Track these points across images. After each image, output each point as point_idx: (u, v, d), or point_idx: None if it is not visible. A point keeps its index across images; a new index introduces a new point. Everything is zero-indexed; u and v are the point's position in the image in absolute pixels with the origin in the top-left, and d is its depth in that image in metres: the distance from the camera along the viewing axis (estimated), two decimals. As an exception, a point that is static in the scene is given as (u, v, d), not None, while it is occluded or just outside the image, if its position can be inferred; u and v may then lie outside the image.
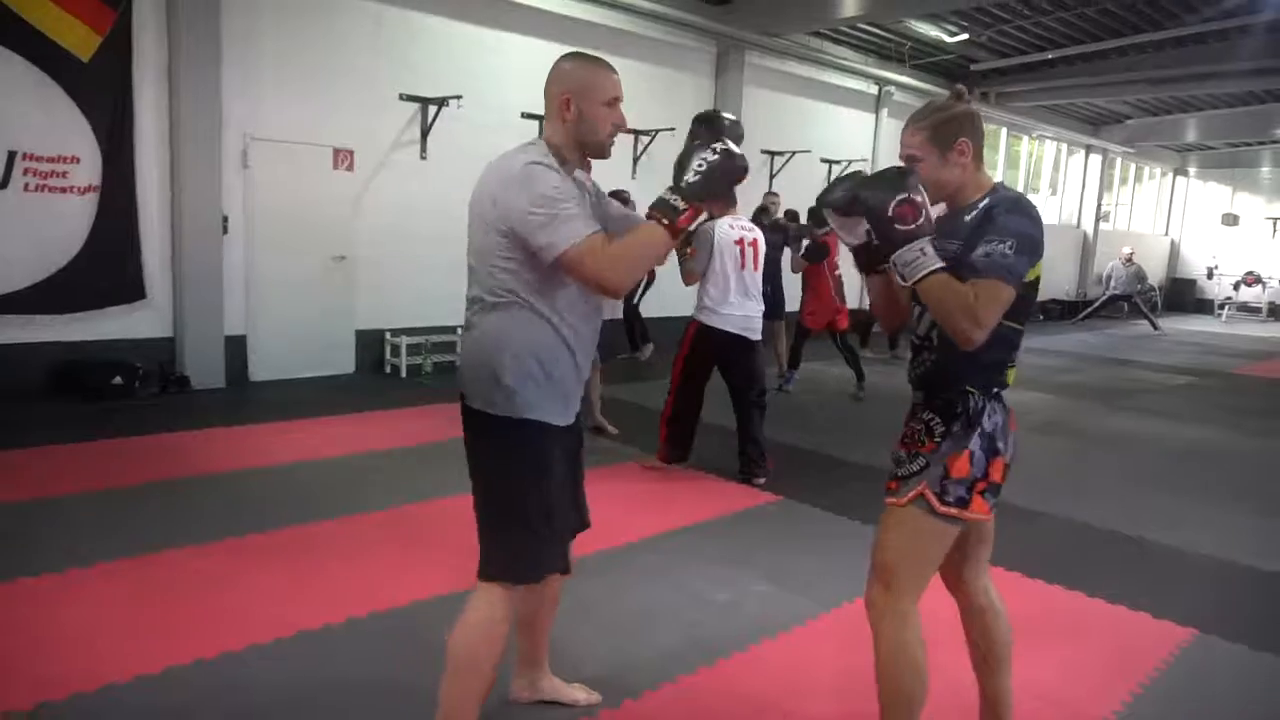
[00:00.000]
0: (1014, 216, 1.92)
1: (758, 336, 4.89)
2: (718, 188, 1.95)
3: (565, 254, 1.87)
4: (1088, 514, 4.67)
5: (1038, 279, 2.01)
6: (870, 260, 2.13)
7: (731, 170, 1.95)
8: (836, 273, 7.58)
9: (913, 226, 1.85)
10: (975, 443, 2.00)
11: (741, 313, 4.77)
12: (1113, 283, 16.00)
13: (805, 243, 7.67)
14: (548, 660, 2.52)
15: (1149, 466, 5.88)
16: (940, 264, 1.85)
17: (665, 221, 1.92)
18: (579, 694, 2.53)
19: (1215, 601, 3.62)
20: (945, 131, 2.00)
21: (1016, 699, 2.30)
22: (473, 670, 2.04)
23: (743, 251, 4.78)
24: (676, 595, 3.37)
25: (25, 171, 5.88)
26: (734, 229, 4.80)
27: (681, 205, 1.92)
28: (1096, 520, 4.58)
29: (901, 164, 2.02)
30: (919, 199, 1.86)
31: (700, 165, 1.92)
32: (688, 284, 4.92)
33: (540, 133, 2.13)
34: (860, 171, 2.10)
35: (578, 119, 2.01)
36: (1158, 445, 6.51)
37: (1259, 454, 6.48)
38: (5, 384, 5.84)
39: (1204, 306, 19.99)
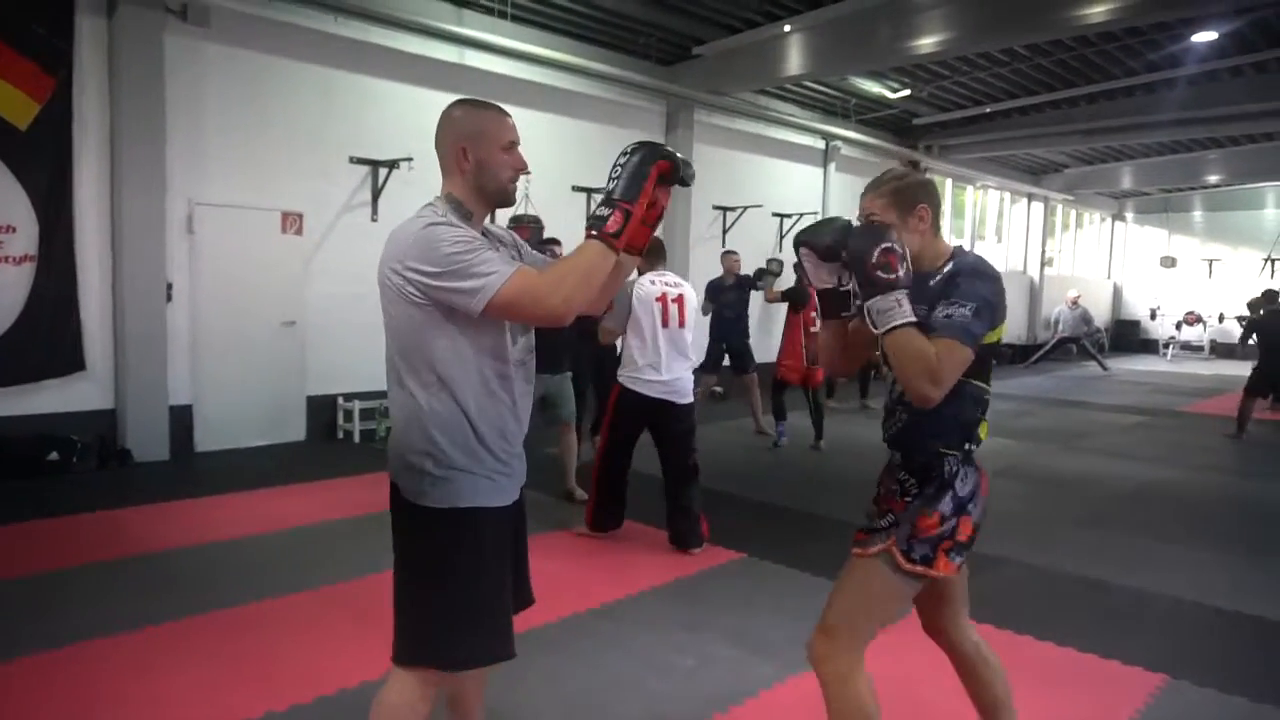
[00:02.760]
0: (977, 282, 1.98)
1: (684, 399, 4.60)
2: (642, 180, 1.86)
3: (497, 296, 1.78)
4: (1050, 559, 4.66)
5: (999, 340, 2.06)
6: (832, 307, 2.16)
7: (649, 158, 1.87)
8: (813, 330, 7.50)
9: (894, 276, 1.89)
10: (946, 504, 2.03)
11: (664, 376, 4.53)
12: (1060, 326, 16.38)
13: (774, 276, 7.78)
14: None
15: (1106, 508, 5.91)
16: (912, 319, 1.89)
17: (594, 232, 1.85)
18: None
19: (1181, 645, 3.60)
20: (905, 197, 2.06)
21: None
22: None
23: (665, 308, 4.56)
24: (638, 663, 3.25)
25: (-42, 242, 5.69)
26: (655, 285, 4.60)
27: (605, 211, 1.86)
28: (1059, 565, 4.56)
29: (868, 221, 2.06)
30: (900, 250, 1.91)
31: (616, 171, 1.88)
32: (603, 341, 4.80)
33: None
34: (842, 218, 2.11)
35: (476, 168, 1.94)
36: (1114, 486, 6.57)
37: (1212, 491, 6.56)
38: (-68, 463, 5.57)
39: (1149, 346, 20.52)
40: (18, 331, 5.93)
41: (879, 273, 1.89)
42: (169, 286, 6.59)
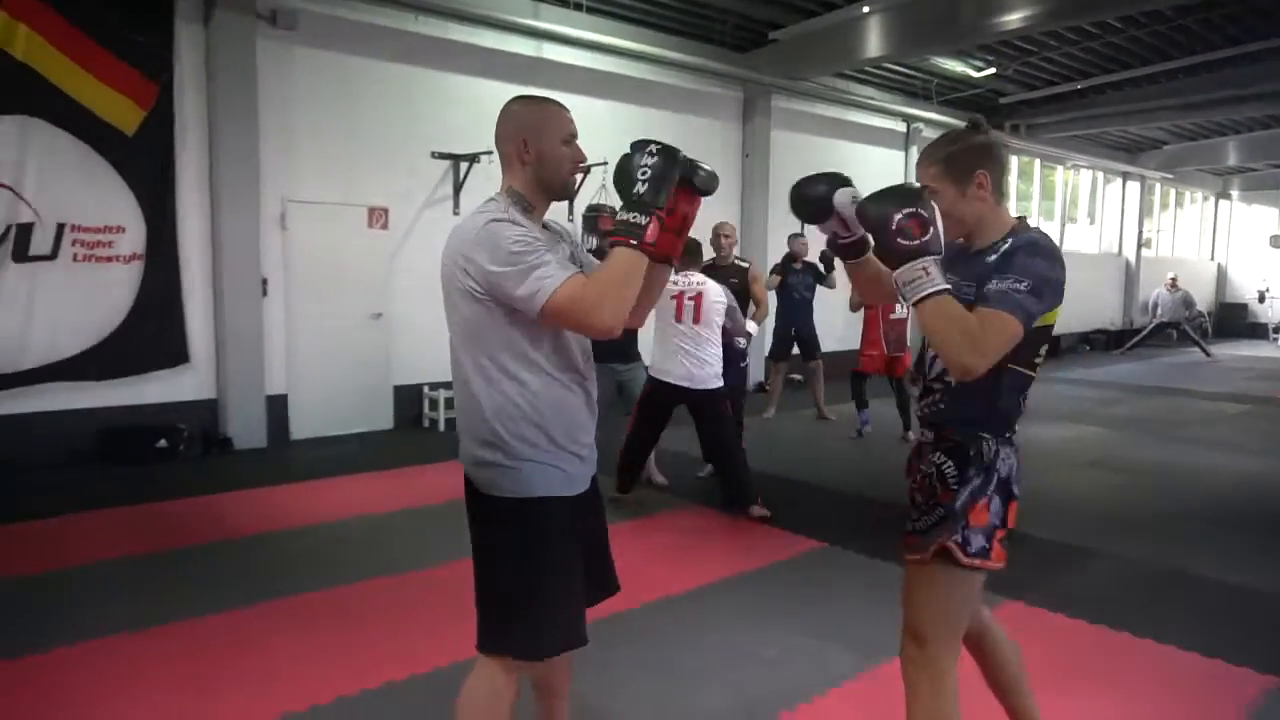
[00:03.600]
0: (1034, 259, 1.82)
1: (701, 386, 4.88)
2: (667, 184, 1.82)
3: (548, 304, 1.79)
4: (1147, 553, 4.48)
5: (1052, 325, 1.91)
6: (856, 252, 2.06)
7: (673, 164, 1.83)
8: (892, 317, 7.37)
9: (916, 243, 1.72)
10: (993, 488, 1.92)
11: (682, 367, 4.86)
12: (1159, 310, 15.64)
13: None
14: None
15: (1206, 501, 5.63)
16: (944, 286, 1.73)
17: (633, 241, 1.80)
18: None
19: (1294, 645, 3.41)
20: (962, 163, 1.91)
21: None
22: None
23: (679, 305, 4.88)
24: (720, 652, 3.26)
25: (74, 243, 6.05)
26: (674, 284, 4.82)
27: (642, 219, 1.81)
28: (1156, 560, 4.38)
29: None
30: (927, 215, 1.74)
31: (643, 172, 1.82)
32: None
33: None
34: (836, 174, 2.02)
35: (537, 161, 1.95)
36: (1215, 478, 6.25)
37: (1327, 484, 6.19)
38: (56, 450, 5.96)
39: (1257, 330, 19.41)
40: (128, 326, 6.28)
41: (899, 240, 1.73)
42: (264, 281, 6.88)
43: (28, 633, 3.30)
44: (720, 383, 4.98)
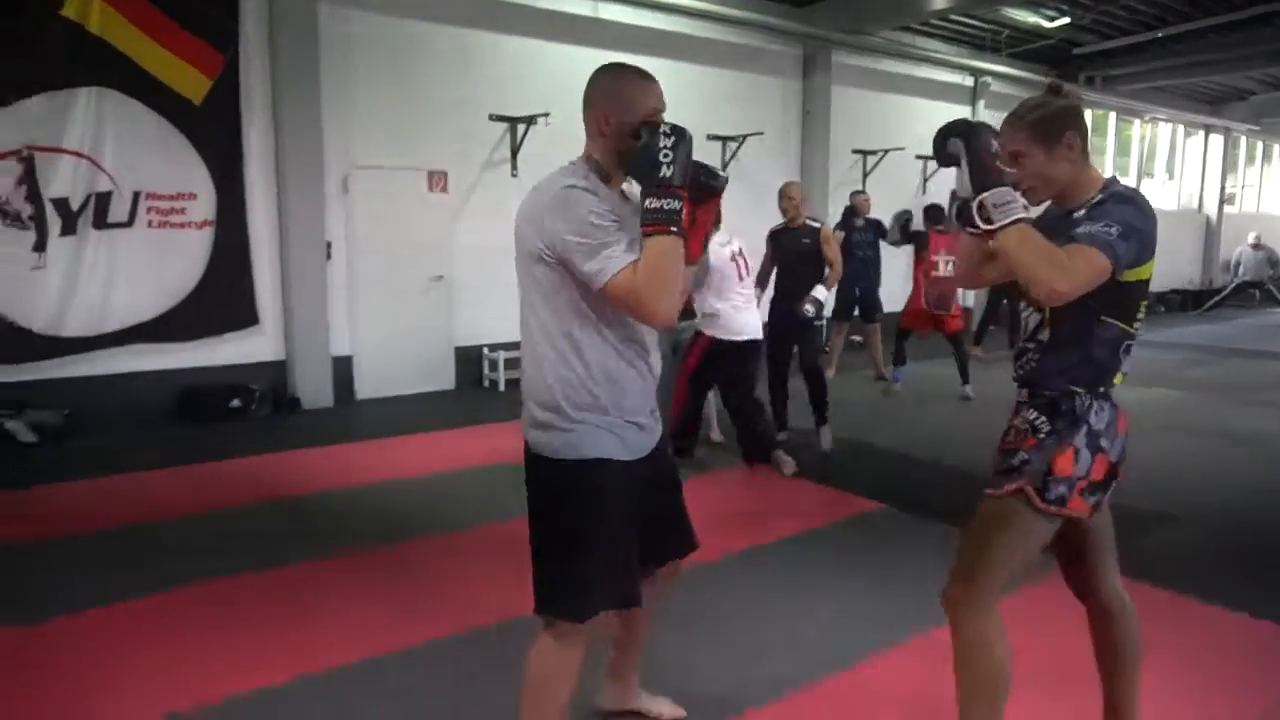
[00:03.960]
0: (1123, 206, 1.84)
1: (759, 336, 5.05)
2: (686, 164, 1.82)
3: (609, 284, 1.81)
4: (1223, 520, 4.35)
5: (1146, 280, 1.90)
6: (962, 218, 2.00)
7: (688, 144, 1.83)
8: (935, 274, 7.27)
9: (1013, 170, 1.82)
10: (1080, 439, 1.91)
11: (752, 321, 4.98)
12: (1241, 269, 14.98)
13: (902, 225, 7.50)
14: (636, 674, 2.49)
15: (1290, 467, 5.43)
16: (1031, 216, 1.78)
17: (674, 229, 1.81)
18: (664, 709, 2.50)
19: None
20: (1049, 126, 1.93)
21: (1150, 714, 2.14)
22: (547, 695, 2.04)
23: (738, 263, 4.91)
24: (782, 610, 3.29)
25: (149, 210, 6.26)
26: (724, 247, 4.86)
27: (675, 204, 1.80)
28: (1235, 527, 4.25)
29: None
30: (1021, 151, 1.90)
31: (665, 155, 1.79)
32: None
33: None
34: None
35: (617, 134, 1.93)
36: (1300, 443, 6.01)
37: None
38: (136, 409, 6.22)
39: (1348, 291, 18.44)
40: (202, 290, 6.49)
41: (997, 162, 1.78)
42: (328, 245, 7.03)
43: (115, 582, 3.48)
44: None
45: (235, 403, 6.50)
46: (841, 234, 7.97)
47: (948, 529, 4.15)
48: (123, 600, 3.30)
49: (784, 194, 5.67)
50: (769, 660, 2.89)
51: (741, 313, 4.94)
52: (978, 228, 1.78)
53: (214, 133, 6.43)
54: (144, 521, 4.23)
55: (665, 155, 1.79)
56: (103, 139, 6.02)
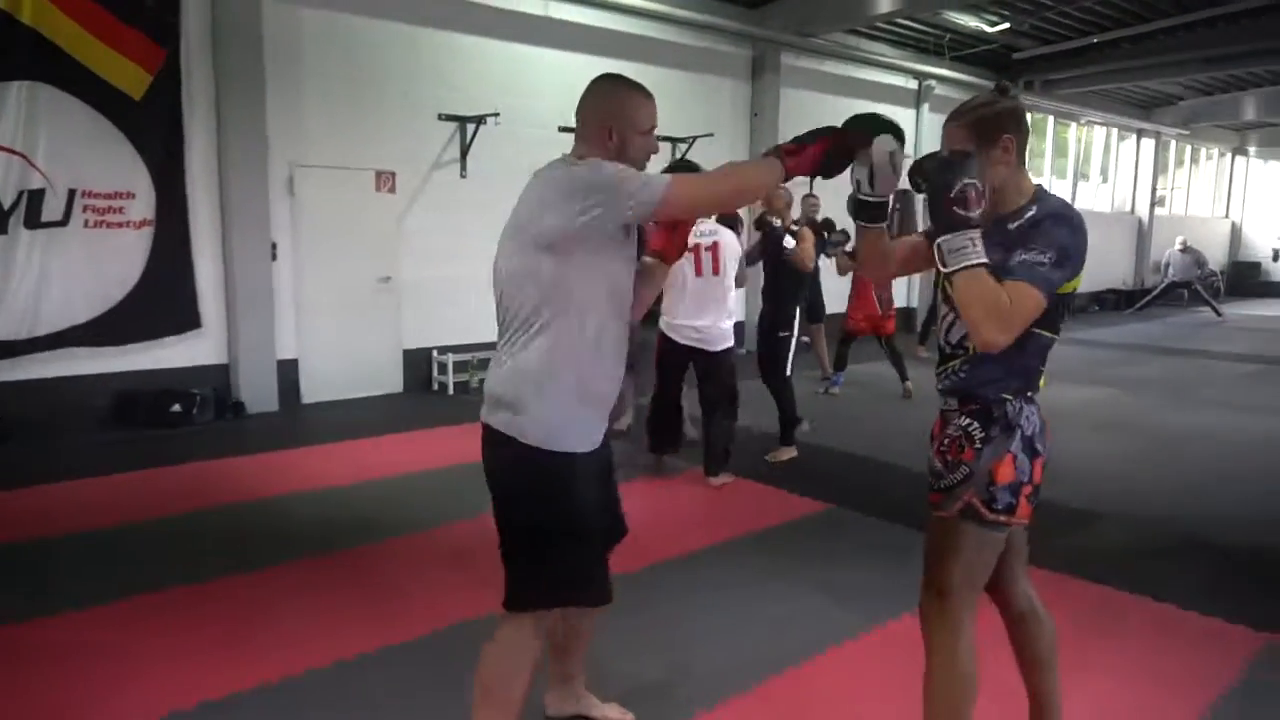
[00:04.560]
0: (1061, 228, 1.89)
1: (716, 347, 4.76)
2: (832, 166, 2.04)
3: (669, 190, 1.91)
4: (1156, 514, 4.52)
5: (1074, 290, 1.97)
6: (872, 215, 2.09)
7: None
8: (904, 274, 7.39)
9: (971, 214, 1.80)
10: (1016, 445, 1.96)
11: (695, 322, 4.71)
12: (1171, 270, 15.53)
13: (840, 247, 7.54)
14: (583, 676, 2.51)
15: (1218, 462, 5.67)
16: (984, 259, 1.80)
17: (779, 158, 2.01)
18: (611, 713, 2.53)
19: (1293, 605, 3.46)
20: (989, 127, 1.95)
21: (1088, 711, 2.22)
22: (503, 698, 2.05)
23: (697, 257, 4.65)
24: (728, 610, 3.34)
25: (84, 209, 6.07)
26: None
27: (810, 141, 2.03)
28: (1162, 521, 4.43)
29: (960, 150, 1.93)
30: (980, 189, 1.81)
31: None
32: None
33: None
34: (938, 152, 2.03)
35: (618, 148, 2.02)
36: (1227, 439, 6.27)
37: (1335, 445, 6.20)
38: (70, 415, 6.04)
39: (1270, 290, 19.26)
40: (140, 292, 6.31)
41: (956, 209, 1.80)
42: (273, 246, 6.91)
43: (38, 596, 3.38)
44: (731, 342, 4.85)
45: (176, 408, 6.34)
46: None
47: (890, 527, 4.26)
48: (60, 613, 3.22)
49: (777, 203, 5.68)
50: (715, 663, 2.93)
51: (681, 314, 4.73)
52: (944, 266, 1.84)
53: (154, 129, 6.25)
54: (80, 531, 4.12)
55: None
56: (35, 135, 5.81)
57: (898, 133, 1.99)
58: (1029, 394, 2.00)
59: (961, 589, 1.99)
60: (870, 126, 1.98)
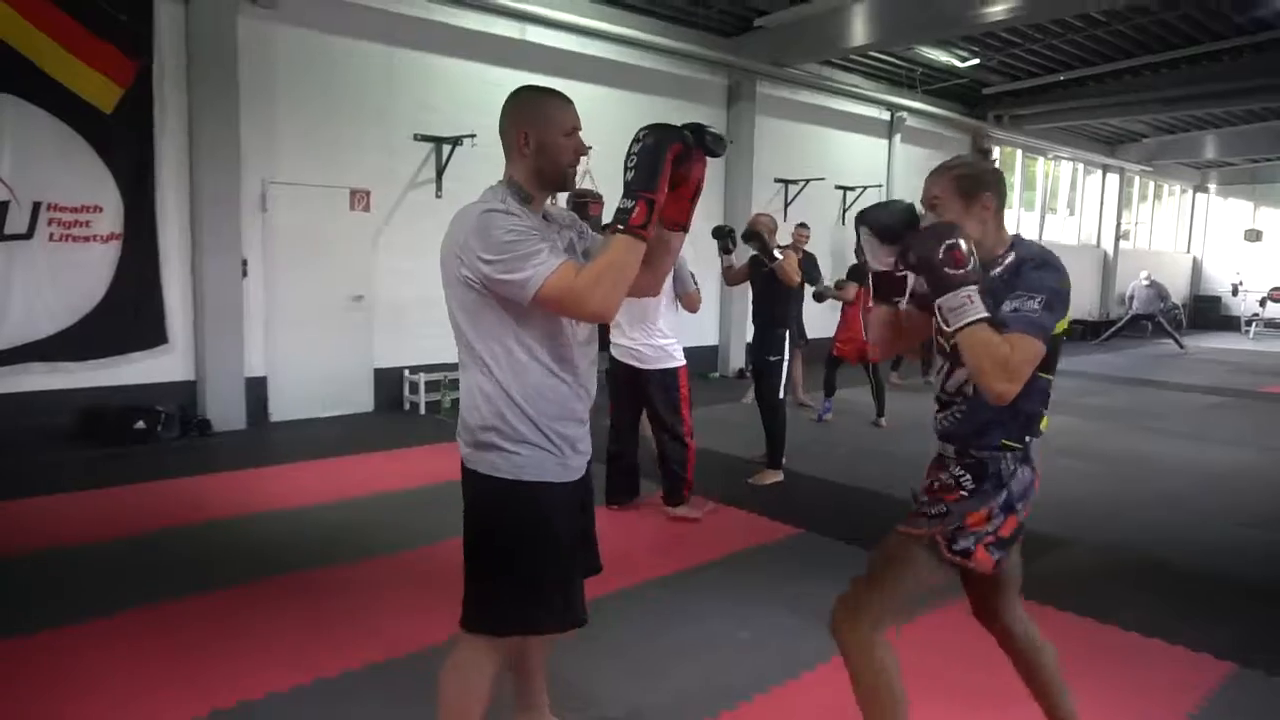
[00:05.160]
0: (1043, 272, 1.96)
1: (649, 365, 4.61)
2: (658, 166, 1.82)
3: (540, 290, 1.83)
4: (1119, 542, 4.57)
5: (1065, 331, 2.02)
6: (887, 290, 2.18)
7: (662, 141, 1.84)
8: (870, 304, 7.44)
9: (962, 272, 1.86)
10: (999, 502, 2.03)
11: (626, 338, 4.63)
12: (1134, 302, 15.84)
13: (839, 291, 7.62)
14: (546, 701, 2.47)
15: (1179, 491, 5.75)
16: (984, 314, 1.86)
17: (620, 226, 1.83)
18: None
19: (1255, 633, 3.50)
20: (971, 184, 2.04)
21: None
22: (464, 714, 2.04)
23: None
24: (696, 634, 3.32)
25: (50, 221, 5.98)
26: None
27: (628, 204, 1.83)
28: (1128, 549, 4.48)
29: (927, 208, 2.06)
30: (967, 246, 1.88)
31: (630, 160, 1.84)
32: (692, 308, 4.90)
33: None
34: (903, 201, 2.13)
35: (536, 152, 1.97)
36: (1188, 468, 6.37)
37: (1293, 475, 6.33)
38: (32, 431, 5.90)
39: (1230, 323, 19.69)
40: (106, 306, 6.22)
41: (946, 269, 1.87)
42: (244, 263, 6.83)
43: (6, 616, 3.29)
44: (675, 362, 4.68)
45: (140, 425, 6.22)
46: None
47: (861, 553, 4.26)
48: (11, 635, 3.12)
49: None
50: (681, 687, 2.90)
51: (619, 329, 4.66)
52: (946, 326, 1.90)
53: (124, 143, 6.19)
54: (36, 550, 4.01)
55: (630, 161, 1.84)
56: (0, 146, 5.73)
57: (696, 131, 1.94)
58: (1028, 441, 2.06)
59: (881, 605, 2.05)
60: (673, 135, 1.88)
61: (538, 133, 1.97)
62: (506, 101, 2.05)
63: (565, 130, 1.99)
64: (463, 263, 1.89)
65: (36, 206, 5.92)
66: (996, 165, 2.16)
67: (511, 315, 1.92)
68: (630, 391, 4.78)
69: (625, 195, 1.86)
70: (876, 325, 2.26)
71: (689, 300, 4.73)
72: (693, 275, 4.74)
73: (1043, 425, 2.09)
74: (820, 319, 8.70)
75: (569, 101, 2.03)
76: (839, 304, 7.81)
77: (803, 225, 8.32)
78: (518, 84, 2.15)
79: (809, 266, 8.20)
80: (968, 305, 1.86)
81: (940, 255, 1.87)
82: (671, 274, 4.52)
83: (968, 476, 2.06)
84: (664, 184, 1.85)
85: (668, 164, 1.85)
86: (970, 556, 2.01)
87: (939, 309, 1.91)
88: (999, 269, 2.02)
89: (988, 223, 2.04)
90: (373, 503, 4.94)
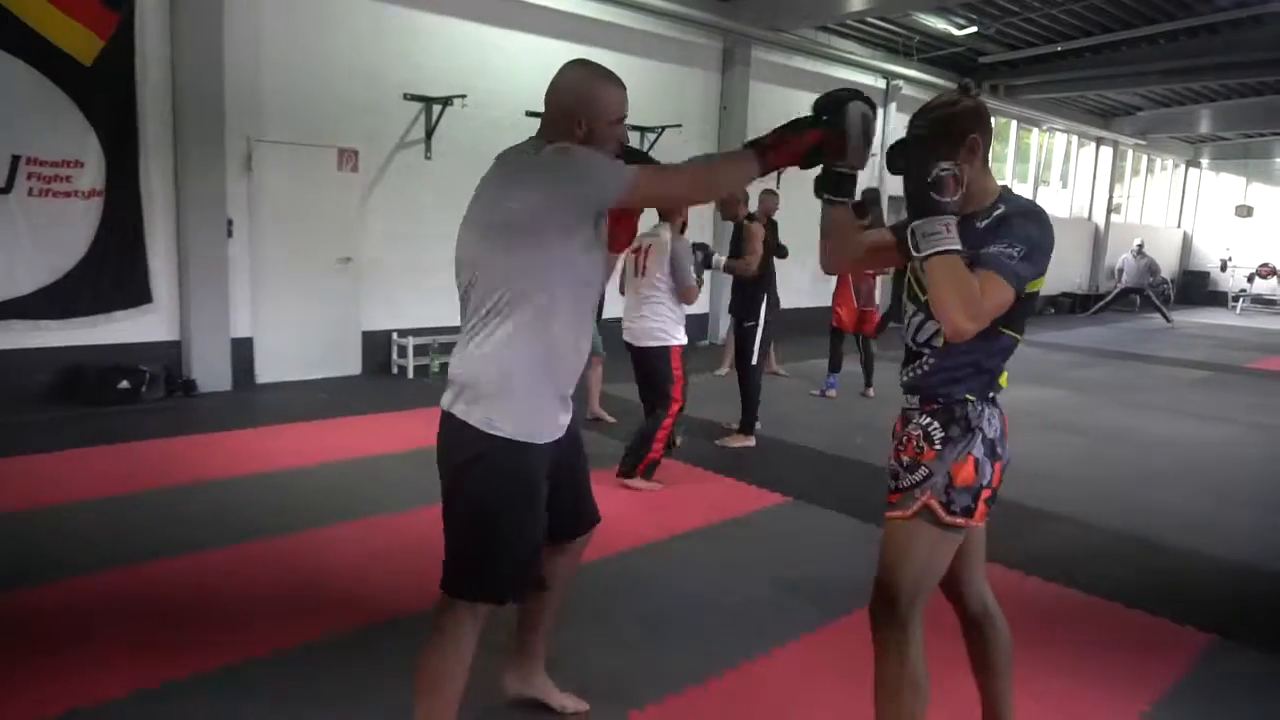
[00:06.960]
0: (1029, 224, 1.88)
1: (641, 343, 4.75)
2: (860, 154, 1.99)
3: (637, 178, 1.91)
4: (1102, 515, 4.60)
5: (1038, 291, 1.96)
6: (841, 188, 2.11)
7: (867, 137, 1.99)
8: (866, 270, 7.40)
9: (947, 200, 1.80)
10: (978, 449, 1.95)
11: (629, 317, 4.85)
12: (1124, 275, 15.87)
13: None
14: (543, 659, 2.48)
15: (1164, 465, 5.79)
16: (959, 246, 1.79)
17: (760, 145, 2.01)
18: (567, 701, 2.51)
19: (1235, 605, 3.55)
20: (953, 127, 1.93)
21: (1034, 709, 2.24)
22: (447, 678, 2.03)
23: (637, 259, 4.84)
24: (683, 602, 3.32)
25: (29, 176, 5.85)
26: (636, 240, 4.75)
27: (795, 141, 2.00)
28: (1111, 521, 4.51)
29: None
30: (959, 176, 1.82)
31: (853, 127, 1.97)
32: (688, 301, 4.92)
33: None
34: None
35: (587, 135, 1.99)
36: (1173, 443, 6.42)
37: (1277, 451, 6.38)
38: (12, 390, 5.83)
39: (1218, 299, 19.79)
40: (88, 264, 6.12)
41: (933, 193, 1.79)
42: (229, 223, 6.73)
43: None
44: (665, 341, 4.75)
45: (124, 384, 6.16)
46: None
47: (848, 520, 4.28)
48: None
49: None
50: (669, 655, 2.91)
51: (626, 311, 4.89)
52: (916, 251, 1.83)
53: (105, 97, 6.05)
54: (13, 510, 3.97)
55: (849, 125, 1.98)
56: (-23, 98, 5.60)
57: (869, 101, 2.00)
58: (991, 395, 2.00)
59: (911, 592, 1.97)
60: (843, 100, 1.99)
61: (591, 118, 2.00)
62: (565, 72, 2.05)
63: (613, 119, 2.03)
64: (524, 189, 1.89)
65: (15, 160, 5.78)
66: (979, 103, 2.02)
67: (541, 268, 1.91)
68: (634, 368, 4.93)
69: (795, 129, 1.99)
70: (836, 228, 2.17)
71: (687, 295, 4.83)
72: (697, 264, 4.95)
73: (1002, 382, 2.03)
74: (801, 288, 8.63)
75: (622, 88, 2.06)
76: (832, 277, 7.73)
77: (770, 192, 8.12)
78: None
79: (774, 235, 8.08)
80: (943, 233, 1.79)
81: (932, 177, 1.80)
82: (671, 268, 4.73)
83: (935, 424, 1.97)
84: (795, 159, 2.00)
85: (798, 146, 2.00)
86: (973, 514, 1.94)
87: (912, 233, 1.82)
88: (985, 221, 1.93)
89: (974, 166, 1.94)
90: (360, 466, 4.92)
